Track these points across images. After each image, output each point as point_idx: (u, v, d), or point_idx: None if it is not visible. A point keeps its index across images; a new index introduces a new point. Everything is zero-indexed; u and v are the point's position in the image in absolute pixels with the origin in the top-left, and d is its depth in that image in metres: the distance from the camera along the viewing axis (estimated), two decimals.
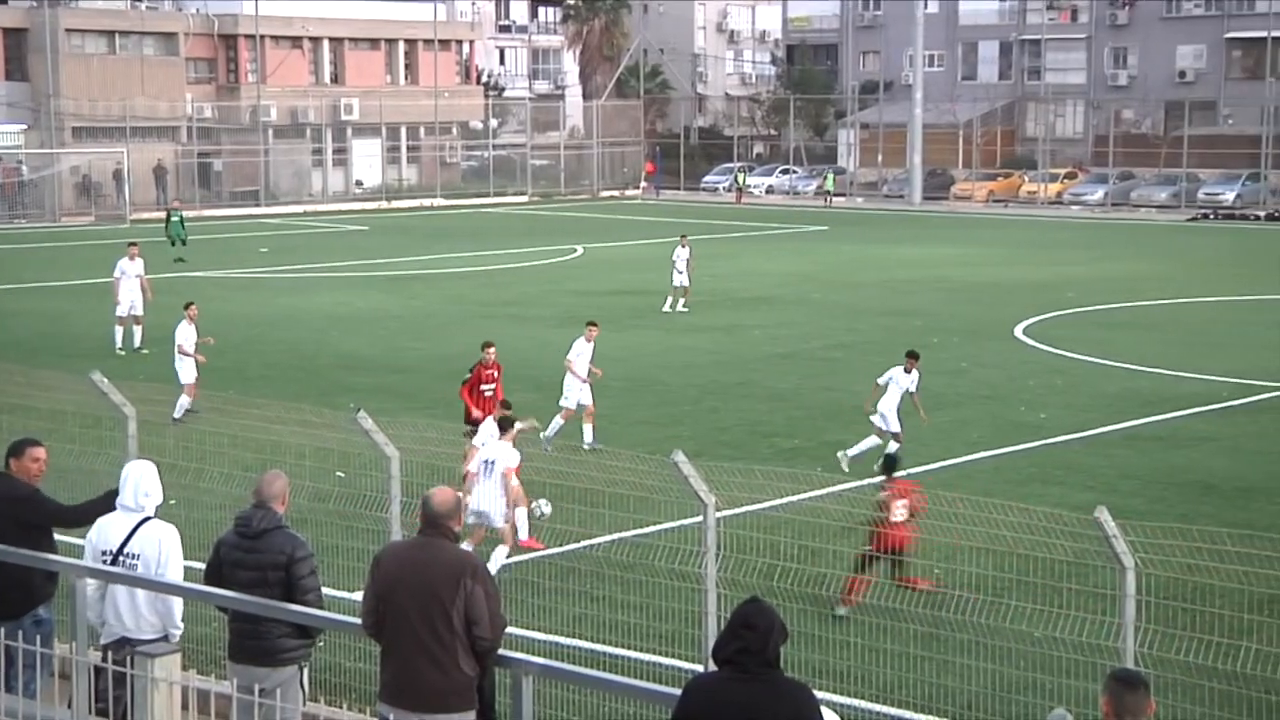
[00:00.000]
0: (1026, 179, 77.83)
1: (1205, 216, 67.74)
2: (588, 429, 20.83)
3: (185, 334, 23.43)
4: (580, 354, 21.35)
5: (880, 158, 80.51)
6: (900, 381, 20.04)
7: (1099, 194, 74.07)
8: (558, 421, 20.84)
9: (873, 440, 19.86)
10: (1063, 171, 78.28)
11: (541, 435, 20.08)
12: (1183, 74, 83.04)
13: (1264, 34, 78.54)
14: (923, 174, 76.52)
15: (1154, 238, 57.92)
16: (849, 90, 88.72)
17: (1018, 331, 32.15)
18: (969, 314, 35.02)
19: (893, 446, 19.74)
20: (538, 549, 15.96)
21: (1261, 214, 67.63)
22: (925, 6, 78.66)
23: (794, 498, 16.78)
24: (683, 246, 35.94)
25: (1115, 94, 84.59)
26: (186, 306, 24.02)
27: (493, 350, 19.99)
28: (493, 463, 15.23)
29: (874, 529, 14.18)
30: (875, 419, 19.97)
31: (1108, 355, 28.93)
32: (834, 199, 75.87)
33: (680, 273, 35.54)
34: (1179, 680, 10.86)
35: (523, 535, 16.28)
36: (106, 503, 9.80)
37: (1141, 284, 41.05)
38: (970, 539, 14.76)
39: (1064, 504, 15.78)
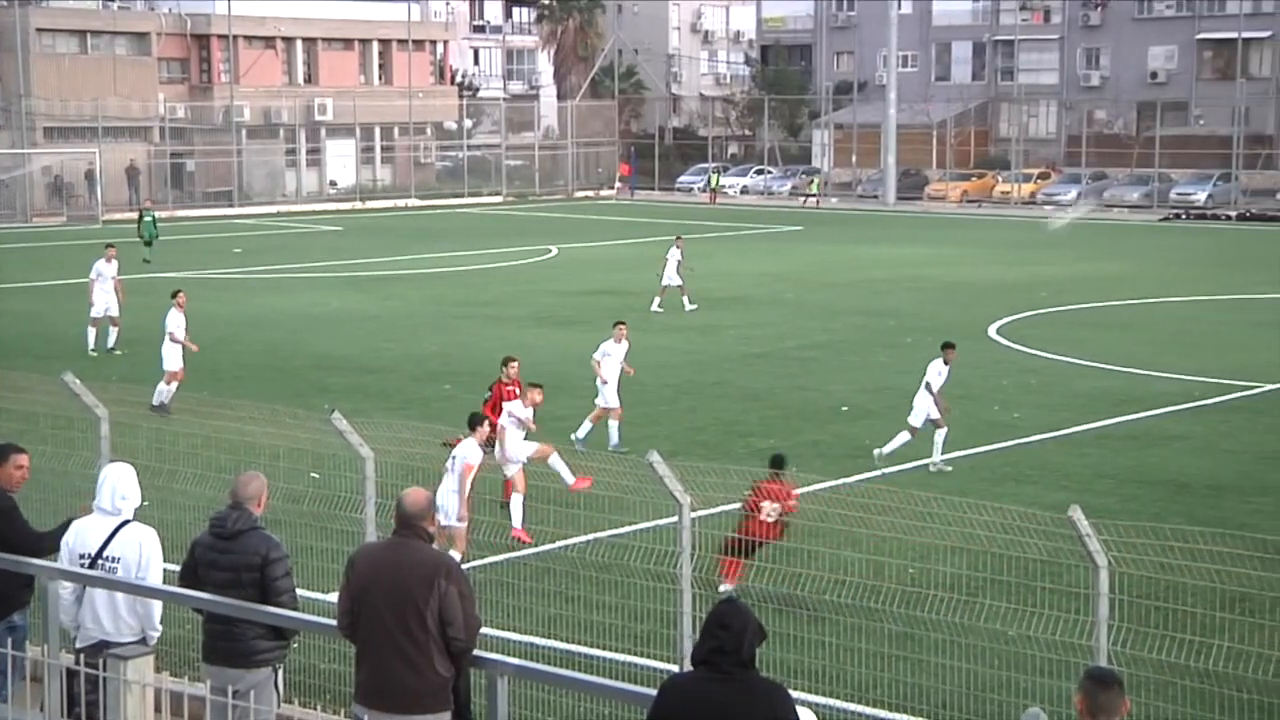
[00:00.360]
0: (1000, 179, 78.09)
1: (1177, 216, 68.05)
2: (586, 427, 20.90)
3: (175, 321, 23.58)
4: (608, 354, 21.40)
5: (854, 158, 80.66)
6: (941, 374, 20.11)
7: (1072, 194, 74.32)
8: (614, 424, 20.93)
9: (942, 434, 19.93)
10: (1036, 172, 78.55)
11: (610, 446, 20.23)
12: (1154, 74, 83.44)
13: (1234, 35, 78.96)
14: (897, 174, 76.71)
15: (1126, 238, 58.16)
16: (823, 91, 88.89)
17: (991, 331, 32.25)
18: (943, 314, 35.11)
19: (903, 437, 19.78)
20: (527, 542, 16.04)
21: (1233, 214, 67.97)
22: (899, 7, 78.84)
23: None
24: (676, 247, 36.12)
25: (1088, 94, 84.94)
26: (175, 294, 24.22)
27: (515, 366, 19.18)
28: (455, 459, 15.29)
29: (743, 519, 14.40)
30: (912, 418, 20.00)
31: (1081, 355, 29.04)
32: (815, 200, 75.94)
33: (662, 274, 35.74)
34: (1152, 678, 10.92)
35: (516, 524, 16.42)
36: (65, 531, 9.80)
37: (1114, 284, 41.22)
38: (944, 538, 14.81)
39: (1038, 503, 15.83)
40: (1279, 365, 27.49)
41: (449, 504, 14.89)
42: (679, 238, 37.55)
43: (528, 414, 17.39)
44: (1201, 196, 71.07)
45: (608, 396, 21.12)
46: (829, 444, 21.38)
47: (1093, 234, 59.59)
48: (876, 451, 19.77)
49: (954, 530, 14.77)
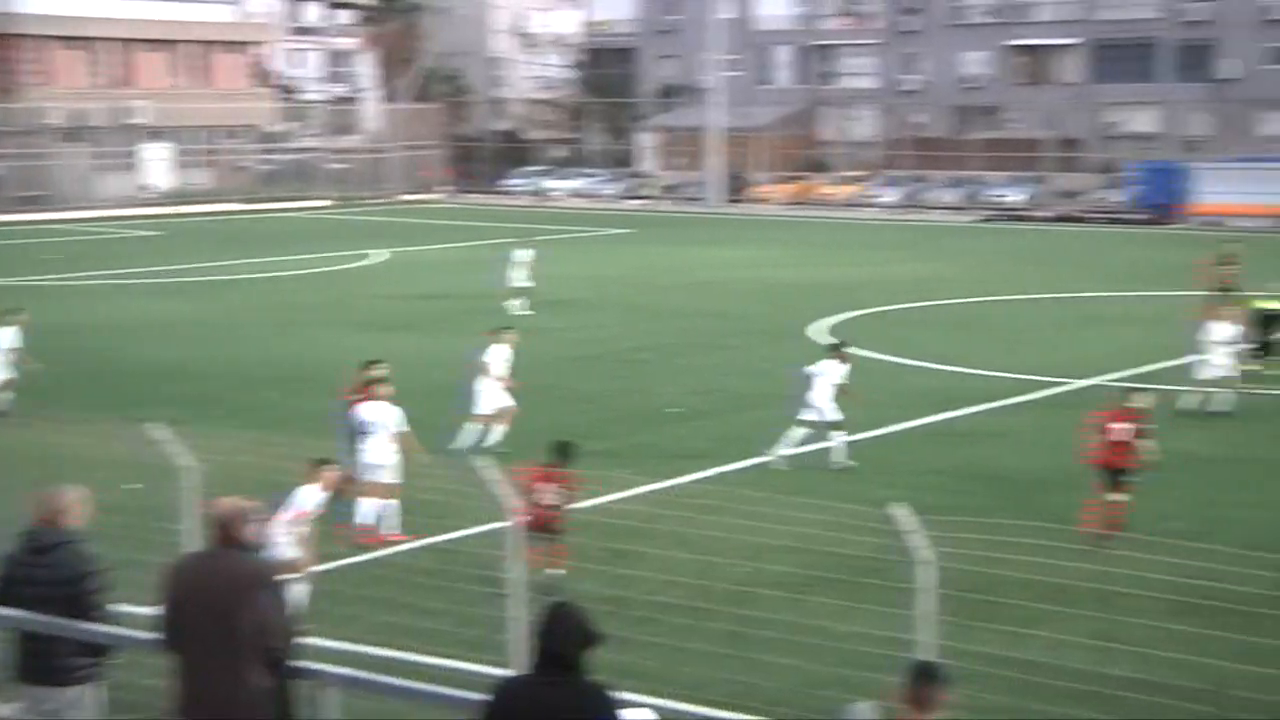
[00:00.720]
0: (822, 181, 79.29)
1: (995, 219, 69.72)
2: (498, 431, 20.58)
3: (9, 338, 23.39)
4: (497, 359, 21.16)
5: (679, 160, 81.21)
6: (832, 374, 20.36)
7: (892, 196, 75.81)
8: (475, 429, 20.55)
9: (803, 434, 20.13)
10: (857, 174, 79.95)
11: (460, 446, 19.75)
12: (969, 79, 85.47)
13: (1043, 41, 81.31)
14: (722, 177, 77.43)
15: (946, 239, 59.41)
16: (648, 94, 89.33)
17: (818, 331, 32.65)
18: (769, 315, 35.47)
19: (840, 435, 20.04)
20: (376, 542, 15.75)
21: (1046, 214, 69.82)
22: (721, 11, 79.54)
23: (599, 500, 16.78)
24: (523, 250, 36.15)
25: (906, 98, 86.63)
26: (11, 313, 23.97)
27: (380, 369, 17.92)
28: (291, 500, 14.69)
29: (527, 507, 14.25)
30: (807, 414, 20.16)
31: (905, 354, 29.52)
32: (650, 200, 76.42)
33: (511, 277, 35.78)
34: (976, 670, 11.09)
35: (362, 520, 16.17)
36: None
37: (935, 284, 42.03)
38: (775, 537, 14.94)
39: (866, 500, 16.01)
40: (1092, 361, 28.26)
41: (281, 541, 14.17)
42: (524, 241, 37.61)
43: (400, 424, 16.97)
44: (1015, 198, 73.00)
45: (498, 399, 20.88)
46: (660, 445, 21.44)
47: (913, 235, 60.75)
48: (836, 461, 19.93)
49: (784, 529, 14.91)
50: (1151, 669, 12.05)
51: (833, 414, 20.19)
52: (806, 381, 20.35)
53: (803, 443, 20.12)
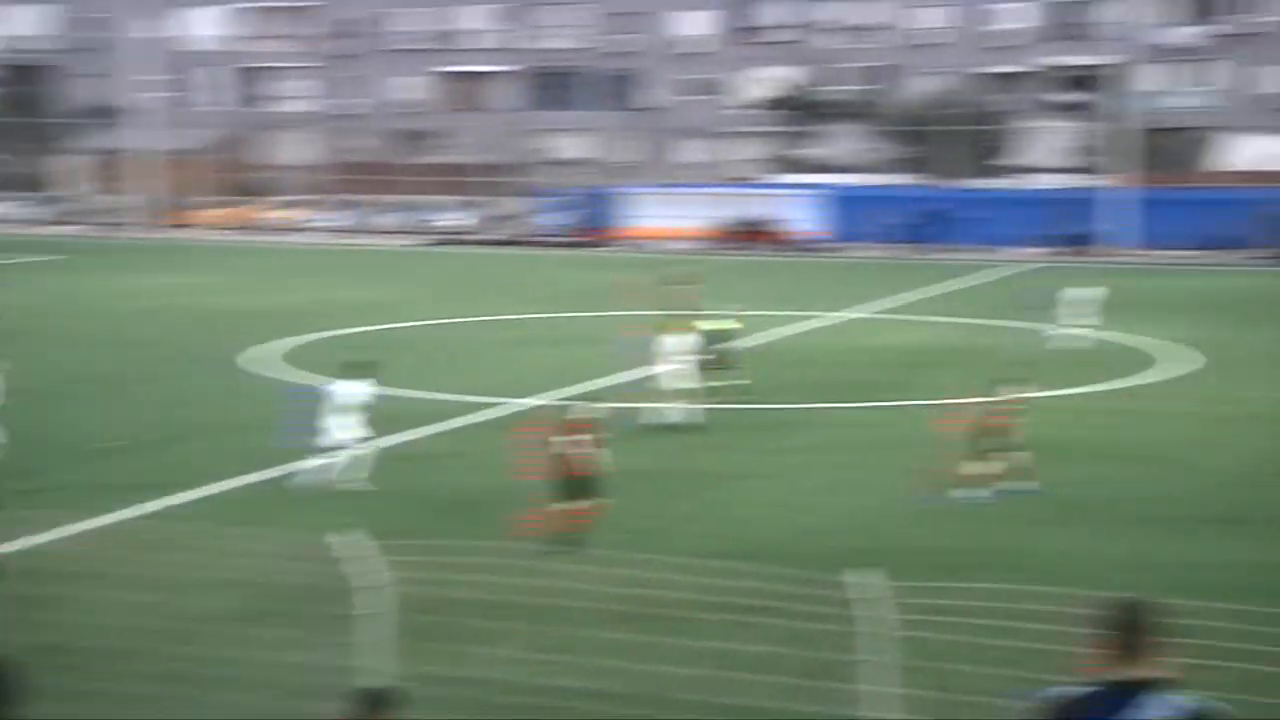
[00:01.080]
0: (261, 206, 78.11)
1: (440, 243, 70.76)
2: None
3: None
4: None
5: (111, 184, 77.96)
6: (355, 394, 20.01)
7: (334, 221, 75.62)
8: None
9: (347, 454, 19.74)
10: (298, 199, 79.25)
11: None
12: (408, 105, 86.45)
13: (477, 68, 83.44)
14: (155, 201, 74.86)
15: (390, 263, 59.69)
16: (73, 114, 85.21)
17: (258, 358, 32.03)
18: (206, 343, 34.50)
19: (347, 455, 19.70)
20: None
21: (494, 239, 71.46)
22: (150, 30, 76.93)
23: (30, 541, 15.79)
24: None
25: (347, 122, 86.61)
26: None
27: None
28: None
29: None
30: (329, 437, 19.72)
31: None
32: (66, 226, 72.89)
33: None
34: (431, 693, 11.08)
35: None
36: None
37: (380, 308, 42.12)
38: (220, 571, 14.45)
39: (319, 528, 15.71)
40: (539, 380, 29.01)
41: None
42: None
43: None
44: (458, 222, 74.45)
45: None
46: (97, 481, 20.39)
47: (357, 260, 60.70)
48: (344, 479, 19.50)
49: (230, 562, 14.46)
50: (598, 678, 12.41)
51: (351, 434, 19.87)
52: (323, 405, 19.93)
53: (351, 462, 19.74)
